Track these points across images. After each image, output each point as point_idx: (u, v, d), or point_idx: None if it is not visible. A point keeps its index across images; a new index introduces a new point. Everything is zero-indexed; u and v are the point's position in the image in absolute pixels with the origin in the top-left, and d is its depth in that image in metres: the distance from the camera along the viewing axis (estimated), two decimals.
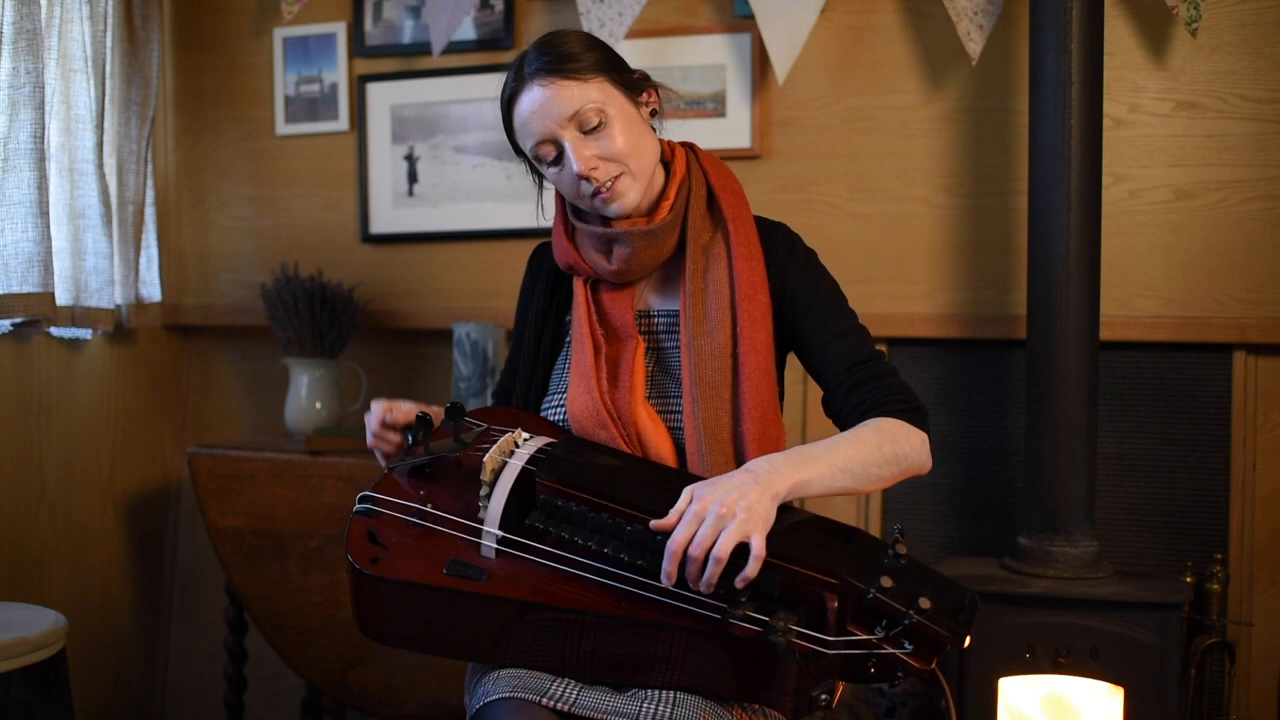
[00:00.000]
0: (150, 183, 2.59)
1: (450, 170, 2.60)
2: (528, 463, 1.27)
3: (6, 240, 2.06)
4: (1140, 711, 1.94)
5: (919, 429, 1.33)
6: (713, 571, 1.10)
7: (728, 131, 2.42)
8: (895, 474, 1.30)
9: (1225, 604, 2.13)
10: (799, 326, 1.42)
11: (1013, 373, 2.32)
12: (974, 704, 1.99)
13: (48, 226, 2.11)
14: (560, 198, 1.49)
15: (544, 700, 1.17)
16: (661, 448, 1.36)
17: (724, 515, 1.11)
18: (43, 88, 2.09)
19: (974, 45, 2.20)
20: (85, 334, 2.45)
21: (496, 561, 1.23)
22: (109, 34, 2.43)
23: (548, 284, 1.54)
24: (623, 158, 1.37)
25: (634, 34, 2.41)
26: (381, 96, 2.62)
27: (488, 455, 1.26)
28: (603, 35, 2.29)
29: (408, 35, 2.60)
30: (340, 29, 2.64)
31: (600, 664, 1.20)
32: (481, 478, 1.25)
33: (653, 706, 1.16)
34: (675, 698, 1.17)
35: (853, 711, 2.24)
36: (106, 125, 2.44)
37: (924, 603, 1.09)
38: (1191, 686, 2.08)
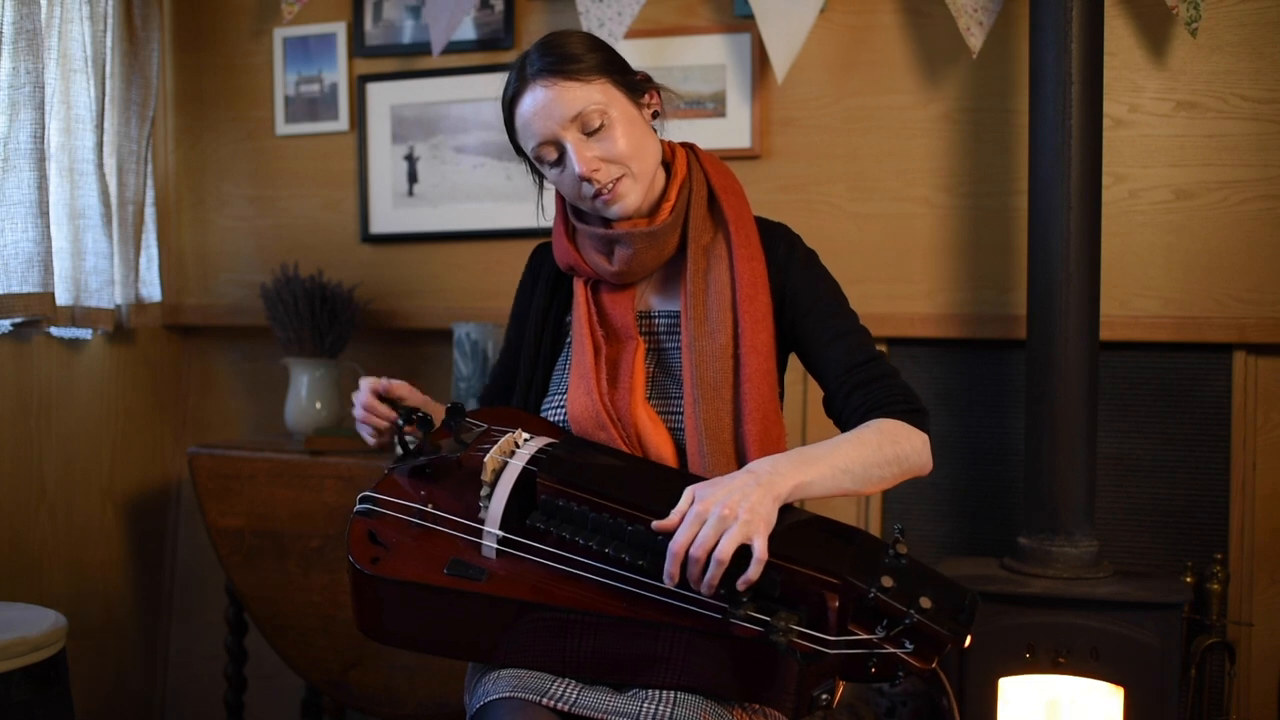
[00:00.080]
0: (150, 183, 2.59)
1: (450, 170, 2.60)
2: (528, 463, 1.27)
3: (6, 240, 2.06)
4: (1140, 711, 1.94)
5: (920, 430, 1.33)
6: (714, 573, 1.10)
7: (728, 131, 2.42)
8: (896, 475, 1.30)
9: (1225, 604, 2.14)
10: (800, 327, 1.42)
11: (1013, 373, 2.32)
12: (974, 704, 1.99)
13: (48, 226, 2.11)
14: (560, 198, 1.49)
15: (544, 700, 1.17)
16: (662, 448, 1.36)
17: (726, 517, 1.11)
18: (43, 88, 2.09)
19: (974, 40, 2.20)
20: (85, 334, 2.45)
21: (497, 562, 1.23)
22: (109, 34, 2.43)
23: (548, 284, 1.54)
24: (624, 159, 1.37)
25: (634, 34, 2.41)
26: (381, 96, 2.62)
27: (488, 455, 1.26)
28: (602, 34, 2.29)
29: (408, 35, 2.60)
30: (340, 29, 2.64)
31: (601, 664, 1.20)
32: (482, 478, 1.25)
33: (653, 706, 1.16)
34: (676, 698, 1.17)
35: (853, 712, 2.24)
36: (106, 125, 2.44)
37: (925, 602, 1.09)
38: (1191, 686, 2.08)
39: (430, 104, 2.59)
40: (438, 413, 1.50)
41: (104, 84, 2.40)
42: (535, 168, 1.46)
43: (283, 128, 2.70)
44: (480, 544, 1.24)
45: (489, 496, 1.25)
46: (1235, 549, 2.20)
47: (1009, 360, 2.33)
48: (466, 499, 1.28)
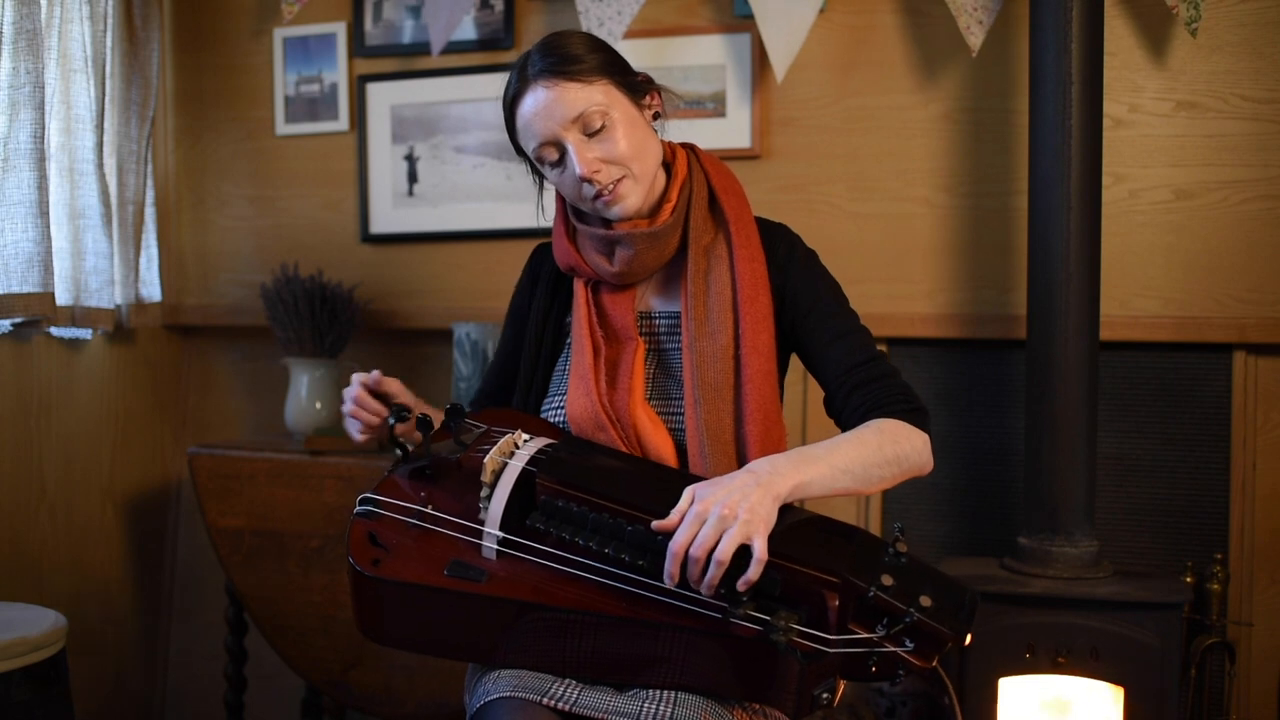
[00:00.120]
0: (150, 183, 2.59)
1: (450, 170, 2.60)
2: (528, 464, 1.27)
3: (6, 240, 2.06)
4: (1140, 711, 1.94)
5: (920, 430, 1.33)
6: (715, 574, 1.10)
7: (727, 131, 2.42)
8: (896, 475, 1.30)
9: (1225, 604, 2.14)
10: (800, 327, 1.42)
11: (1013, 373, 2.32)
12: (974, 704, 1.99)
13: (48, 226, 2.11)
14: (561, 198, 1.49)
15: (545, 700, 1.17)
16: (662, 449, 1.36)
17: (726, 517, 1.11)
18: (43, 88, 2.09)
19: (974, 38, 2.20)
20: (85, 334, 2.45)
21: (497, 563, 1.23)
22: (109, 34, 2.43)
23: (548, 285, 1.54)
24: (625, 161, 1.36)
25: (634, 34, 2.41)
26: (381, 96, 2.62)
27: (488, 456, 1.26)
28: (601, 34, 2.28)
29: (408, 35, 2.60)
30: (340, 29, 2.64)
31: (601, 664, 1.20)
32: (482, 479, 1.25)
33: (654, 706, 1.16)
34: (677, 698, 1.17)
35: (853, 712, 2.24)
36: (106, 125, 2.44)
37: (925, 600, 1.09)
38: (1191, 686, 2.08)
39: (430, 104, 2.59)
40: (428, 412, 1.49)
41: (104, 84, 2.40)
42: (535, 168, 1.46)
43: (283, 128, 2.70)
44: (480, 545, 1.24)
45: (489, 497, 1.25)
46: (1235, 549, 2.20)
47: (1009, 360, 2.33)
48: (466, 500, 1.28)
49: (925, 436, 1.33)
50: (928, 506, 2.39)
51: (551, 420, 1.45)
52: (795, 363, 1.49)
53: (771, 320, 1.40)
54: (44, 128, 2.10)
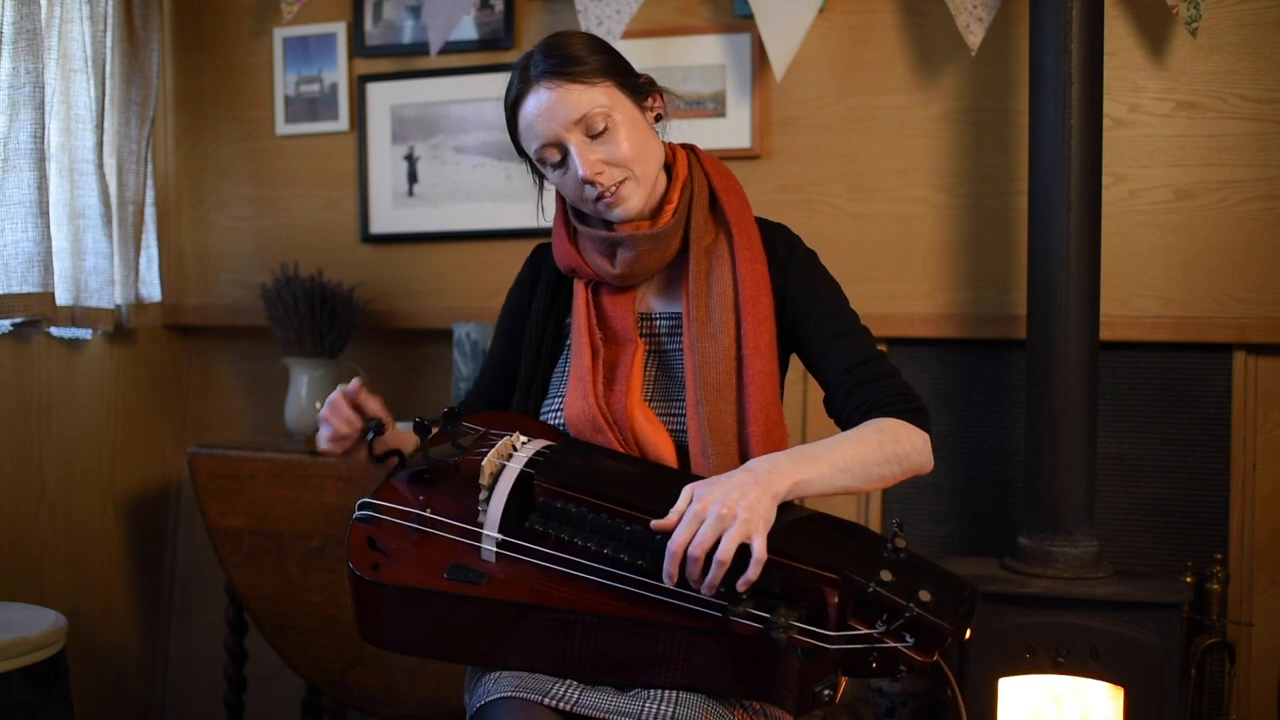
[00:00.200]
0: (150, 183, 2.59)
1: (450, 170, 2.60)
2: (526, 465, 1.27)
3: (6, 240, 2.06)
4: (1140, 711, 1.94)
5: (920, 429, 1.32)
6: (716, 574, 1.10)
7: (727, 131, 2.42)
8: (896, 474, 1.30)
9: (1225, 604, 2.13)
10: (800, 327, 1.42)
11: (1013, 373, 2.32)
12: (974, 704, 1.99)
13: (48, 226, 2.11)
14: (561, 199, 1.48)
15: (546, 700, 1.17)
16: (661, 450, 1.36)
17: (725, 516, 1.11)
18: (43, 88, 2.09)
19: (973, 37, 2.20)
20: (85, 334, 2.45)
21: (497, 565, 1.23)
22: (109, 34, 2.43)
23: (548, 285, 1.54)
24: (628, 163, 1.36)
25: (633, 34, 2.41)
26: (381, 96, 2.62)
27: (486, 459, 1.26)
28: (600, 33, 2.28)
29: (408, 35, 2.60)
30: (340, 29, 2.64)
31: (602, 665, 1.20)
32: (480, 481, 1.25)
33: (655, 706, 1.16)
34: (678, 697, 1.17)
35: (853, 711, 2.24)
36: (106, 125, 2.44)
37: (924, 595, 1.09)
38: (1191, 686, 2.08)
39: (430, 104, 2.59)
40: (403, 441, 1.45)
41: (104, 84, 2.40)
42: (536, 168, 1.46)
43: (283, 128, 2.70)
44: (480, 548, 1.24)
45: (487, 500, 1.25)
46: (1235, 549, 2.20)
47: (1009, 360, 2.33)
48: (465, 503, 1.28)
49: (925, 436, 1.33)
50: (928, 506, 2.39)
51: (551, 422, 1.45)
52: (795, 363, 1.49)
53: (773, 321, 1.40)
54: (44, 128, 2.10)
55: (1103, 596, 1.95)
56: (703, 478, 1.23)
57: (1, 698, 1.66)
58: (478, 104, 2.56)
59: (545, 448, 1.32)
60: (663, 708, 1.15)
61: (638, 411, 1.37)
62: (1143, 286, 2.25)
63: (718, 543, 1.10)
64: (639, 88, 1.41)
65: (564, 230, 1.47)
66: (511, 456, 1.28)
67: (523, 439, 1.34)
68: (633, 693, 1.20)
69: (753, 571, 1.10)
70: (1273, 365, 2.21)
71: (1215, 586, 2.13)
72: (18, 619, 1.79)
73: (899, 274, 2.37)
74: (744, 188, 1.49)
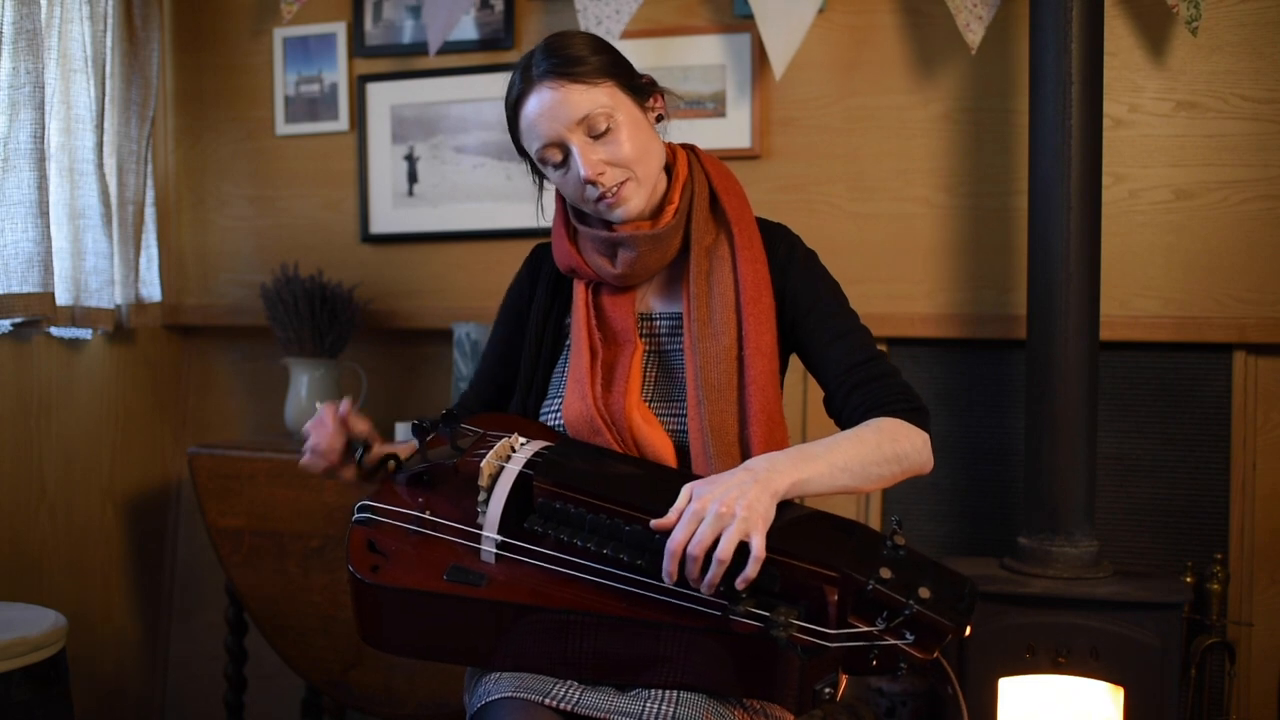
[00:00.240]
0: (150, 183, 2.59)
1: (450, 170, 2.60)
2: (525, 466, 1.27)
3: (6, 240, 2.06)
4: (1140, 711, 1.94)
5: (920, 429, 1.32)
6: (715, 573, 1.10)
7: (727, 131, 2.42)
8: (896, 473, 1.30)
9: (1225, 604, 2.13)
10: (800, 327, 1.42)
11: (1013, 373, 2.32)
12: (974, 704, 1.99)
13: (48, 226, 2.11)
14: (560, 199, 1.48)
15: (546, 700, 1.17)
16: (660, 451, 1.36)
17: (723, 514, 1.11)
18: (43, 88, 2.09)
19: (973, 35, 2.20)
20: (85, 334, 2.45)
21: (496, 566, 1.23)
22: (109, 34, 2.43)
23: (548, 285, 1.53)
24: (630, 163, 1.36)
25: (633, 34, 2.41)
26: (381, 96, 2.62)
27: (484, 460, 1.26)
28: (599, 33, 2.28)
29: (408, 35, 2.60)
30: (340, 29, 2.64)
31: (602, 665, 1.19)
32: (479, 483, 1.25)
33: (656, 705, 1.16)
34: (679, 697, 1.17)
35: (853, 711, 2.24)
36: (106, 125, 2.44)
37: (924, 592, 1.09)
38: (1191, 686, 2.08)
39: (430, 104, 2.59)
40: (396, 452, 1.44)
41: (104, 84, 2.40)
42: (536, 168, 1.46)
43: (283, 128, 2.70)
44: (479, 549, 1.24)
45: (486, 501, 1.25)
46: (1235, 549, 2.20)
47: (1009, 360, 2.33)
48: (464, 505, 1.28)
49: (925, 435, 1.33)
50: (928, 507, 2.39)
51: (551, 423, 1.45)
52: (795, 363, 1.49)
53: (774, 321, 1.40)
54: (44, 128, 2.10)
55: (1103, 596, 1.95)
56: (702, 477, 1.23)
57: (1, 698, 1.66)
58: (478, 104, 2.56)
59: (544, 449, 1.32)
60: (663, 707, 1.15)
61: (636, 412, 1.37)
62: (1143, 286, 2.25)
63: (717, 541, 1.10)
64: (641, 88, 1.41)
65: (564, 230, 1.47)
66: (510, 458, 1.28)
67: (521, 440, 1.34)
68: (633, 693, 1.20)
69: (752, 570, 1.10)
70: (1273, 365, 2.21)
71: (1215, 586, 2.13)
72: (18, 619, 1.79)
73: (899, 274, 2.37)
74: (744, 188, 1.49)
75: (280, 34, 2.67)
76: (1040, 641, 1.97)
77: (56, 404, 2.39)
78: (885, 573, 1.10)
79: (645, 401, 1.40)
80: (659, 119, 1.45)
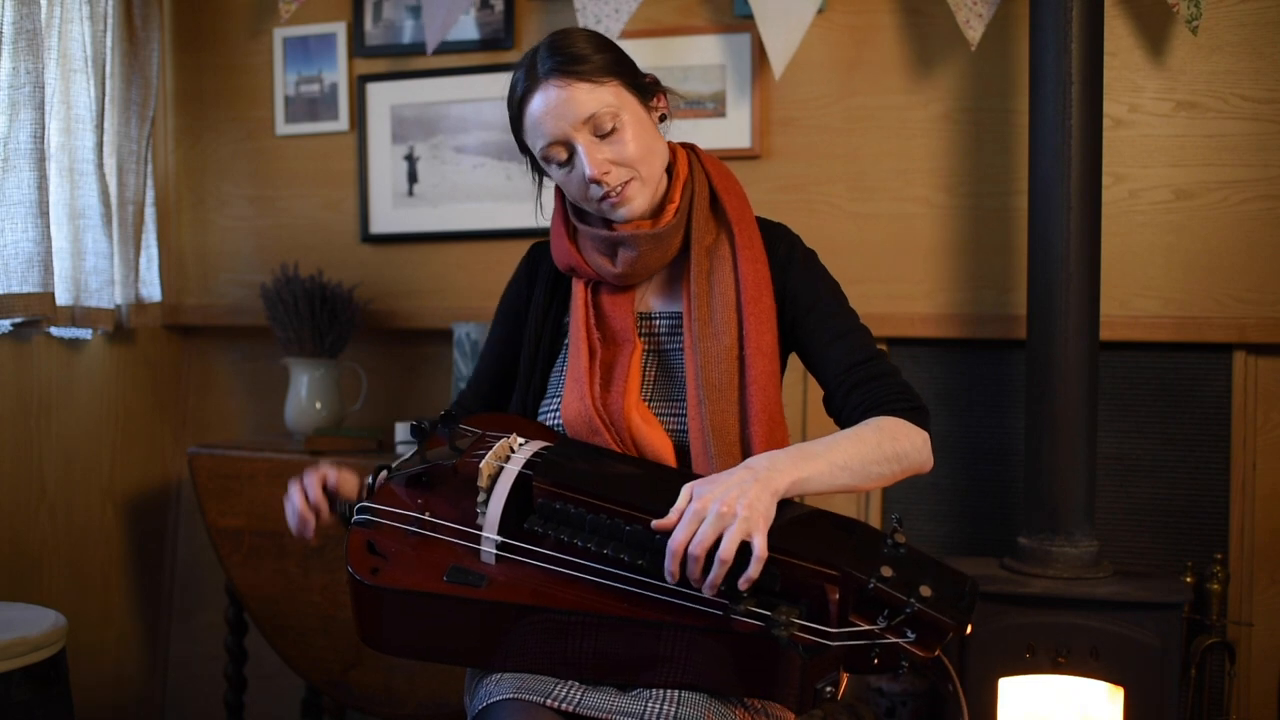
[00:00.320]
0: (150, 183, 2.59)
1: (450, 170, 2.60)
2: (524, 467, 1.27)
3: (6, 240, 2.06)
4: (1140, 711, 1.94)
5: (920, 428, 1.32)
6: (718, 573, 1.10)
7: (727, 131, 2.42)
8: (896, 472, 1.30)
9: (1225, 604, 2.13)
10: (800, 327, 1.42)
11: (1013, 373, 2.32)
12: (974, 704, 1.99)
13: (48, 226, 2.11)
14: (560, 197, 1.48)
15: (548, 701, 1.17)
16: (660, 451, 1.36)
17: (724, 514, 1.11)
18: (43, 88, 2.09)
19: (973, 32, 2.20)
20: (85, 334, 2.45)
21: (496, 567, 1.23)
22: (109, 34, 2.43)
23: (547, 285, 1.53)
24: (634, 163, 1.36)
25: (633, 34, 2.41)
26: (381, 96, 2.62)
27: (484, 461, 1.25)
28: (598, 31, 2.28)
29: (408, 35, 2.60)
30: (340, 29, 2.64)
31: (603, 665, 1.19)
32: (478, 484, 1.25)
33: (657, 705, 1.16)
34: (680, 697, 1.17)
35: (853, 711, 2.24)
36: (106, 125, 2.44)
37: (924, 590, 1.09)
38: (1191, 686, 2.08)
39: (430, 104, 2.59)
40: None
41: (104, 84, 2.40)
42: (536, 165, 1.46)
43: (283, 128, 2.70)
44: (479, 550, 1.24)
45: (486, 502, 1.24)
46: (1235, 549, 2.20)
47: (1009, 360, 2.33)
48: (463, 506, 1.28)
49: (925, 435, 1.33)
50: (928, 507, 2.39)
51: (550, 423, 1.45)
52: (795, 362, 1.49)
53: (774, 321, 1.40)
54: (44, 128, 2.10)
55: (1103, 596, 1.95)
56: (701, 477, 1.23)
57: (1, 698, 1.66)
58: (478, 104, 2.56)
59: (543, 449, 1.32)
60: (665, 707, 1.15)
61: (634, 412, 1.37)
62: (1143, 286, 2.25)
63: (718, 541, 1.10)
64: (645, 87, 1.41)
65: (563, 229, 1.47)
66: (509, 458, 1.28)
67: (520, 440, 1.34)
68: (634, 693, 1.20)
69: (754, 569, 1.10)
70: (1273, 365, 2.21)
71: (1215, 586, 2.13)
72: (18, 619, 1.78)
73: (899, 274, 2.37)
74: (744, 188, 1.49)
75: (280, 34, 2.67)
76: (1040, 641, 1.97)
77: (56, 404, 2.38)
78: (886, 571, 1.10)
79: (644, 401, 1.40)
80: (662, 118, 1.45)
